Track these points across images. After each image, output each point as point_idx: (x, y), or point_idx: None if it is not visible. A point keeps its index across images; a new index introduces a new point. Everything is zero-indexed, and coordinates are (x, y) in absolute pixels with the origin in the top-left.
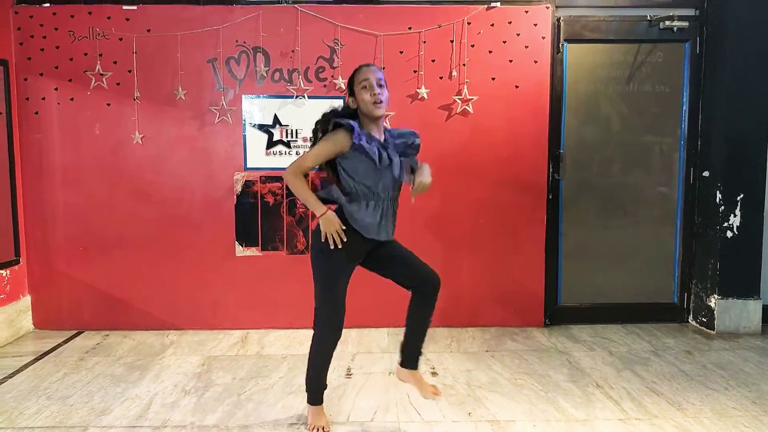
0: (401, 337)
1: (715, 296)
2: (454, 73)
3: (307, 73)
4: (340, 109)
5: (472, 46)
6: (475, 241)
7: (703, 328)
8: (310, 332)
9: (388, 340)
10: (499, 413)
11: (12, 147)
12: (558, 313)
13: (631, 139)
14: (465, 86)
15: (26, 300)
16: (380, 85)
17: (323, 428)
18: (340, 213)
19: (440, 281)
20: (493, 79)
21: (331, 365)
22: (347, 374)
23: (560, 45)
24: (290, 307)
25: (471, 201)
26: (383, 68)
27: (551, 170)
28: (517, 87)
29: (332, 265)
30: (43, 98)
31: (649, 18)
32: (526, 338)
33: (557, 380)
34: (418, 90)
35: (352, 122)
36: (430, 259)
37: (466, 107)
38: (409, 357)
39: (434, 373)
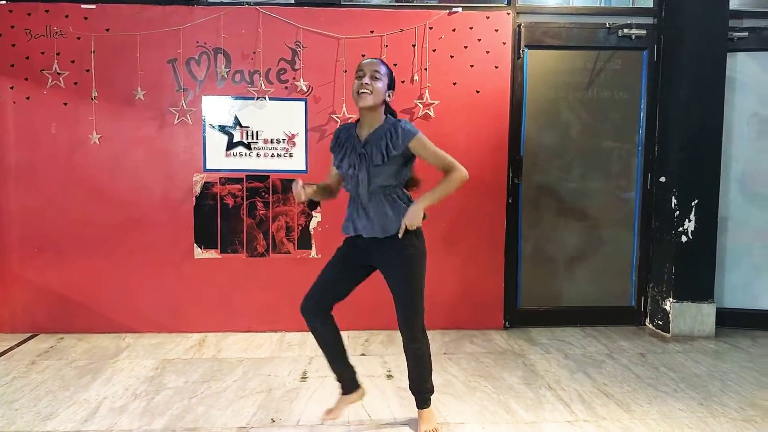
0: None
1: (671, 300)
2: (416, 77)
3: (269, 74)
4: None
5: (434, 50)
6: (434, 245)
7: (659, 331)
8: (269, 335)
9: (348, 342)
10: (449, 416)
11: None
12: (517, 316)
13: (591, 144)
14: (426, 90)
15: None
16: (374, 77)
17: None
18: None
19: (409, 345)
20: (455, 83)
21: (287, 368)
22: (302, 377)
23: (521, 51)
24: (249, 310)
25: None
26: (345, 71)
27: (511, 174)
28: (478, 92)
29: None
30: None
31: (608, 26)
32: (485, 341)
33: (511, 383)
34: None
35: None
36: None
37: (428, 111)
38: (415, 395)
39: (390, 376)
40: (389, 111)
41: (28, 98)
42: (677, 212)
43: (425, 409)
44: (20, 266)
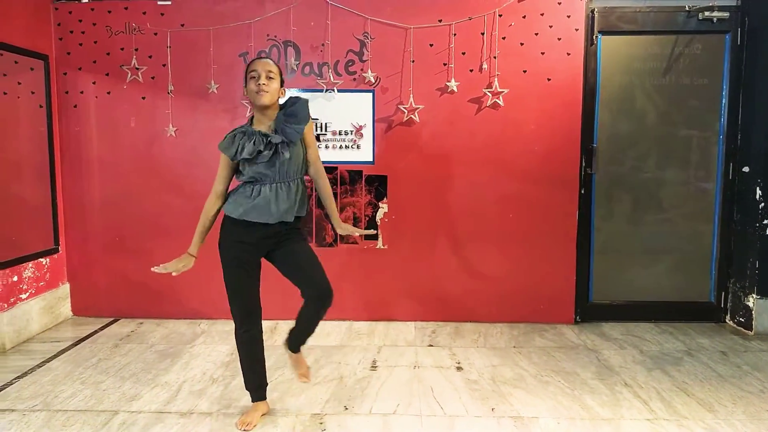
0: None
1: (754, 296)
2: (485, 65)
3: (337, 66)
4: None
5: (504, 38)
6: (504, 236)
7: (741, 329)
8: (337, 324)
9: (415, 333)
10: (522, 409)
11: (52, 139)
12: (589, 311)
13: (668, 132)
14: (496, 79)
15: (65, 287)
16: (269, 77)
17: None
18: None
19: (331, 298)
20: (525, 71)
21: (357, 357)
22: (372, 366)
23: (594, 37)
24: None
25: (501, 195)
26: (413, 61)
27: (583, 164)
28: (549, 80)
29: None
30: (82, 92)
31: (687, 8)
32: (556, 335)
33: (584, 378)
34: (447, 83)
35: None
36: (458, 253)
37: (497, 100)
38: (292, 344)
39: (459, 368)
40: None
41: (108, 93)
42: (762, 204)
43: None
44: (102, 254)
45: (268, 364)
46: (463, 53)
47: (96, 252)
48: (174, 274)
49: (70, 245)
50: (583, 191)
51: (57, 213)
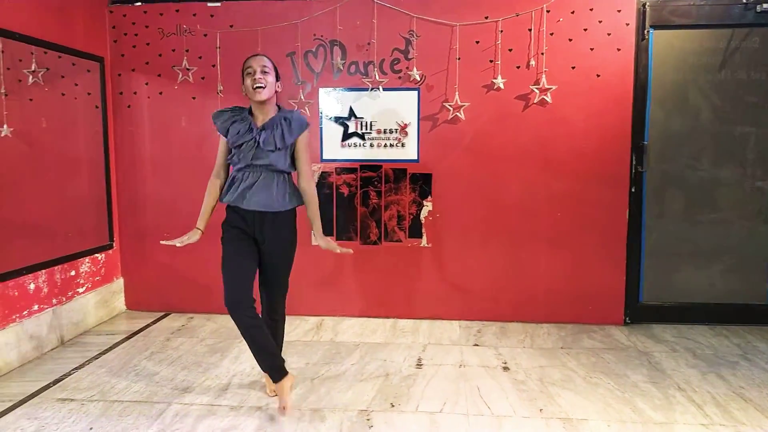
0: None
1: None
2: (532, 62)
3: (383, 65)
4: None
5: (551, 34)
6: (552, 235)
7: None
8: (382, 321)
9: (460, 332)
10: (571, 411)
11: (107, 139)
12: (639, 312)
13: (723, 129)
14: (543, 75)
15: (119, 282)
16: (264, 72)
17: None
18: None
19: (276, 318)
20: (573, 68)
21: (402, 355)
22: (417, 364)
23: (645, 32)
24: (363, 296)
25: (549, 194)
26: (459, 58)
27: (634, 162)
28: (598, 76)
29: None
30: (135, 92)
31: (744, 1)
32: (605, 336)
33: (635, 381)
34: (494, 80)
35: (217, 112)
36: (503, 252)
37: (544, 97)
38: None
39: (506, 368)
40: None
41: (160, 93)
42: None
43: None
44: (154, 250)
45: (314, 359)
46: (510, 50)
47: (148, 248)
48: (178, 245)
49: (124, 241)
50: (633, 189)
51: (111, 210)
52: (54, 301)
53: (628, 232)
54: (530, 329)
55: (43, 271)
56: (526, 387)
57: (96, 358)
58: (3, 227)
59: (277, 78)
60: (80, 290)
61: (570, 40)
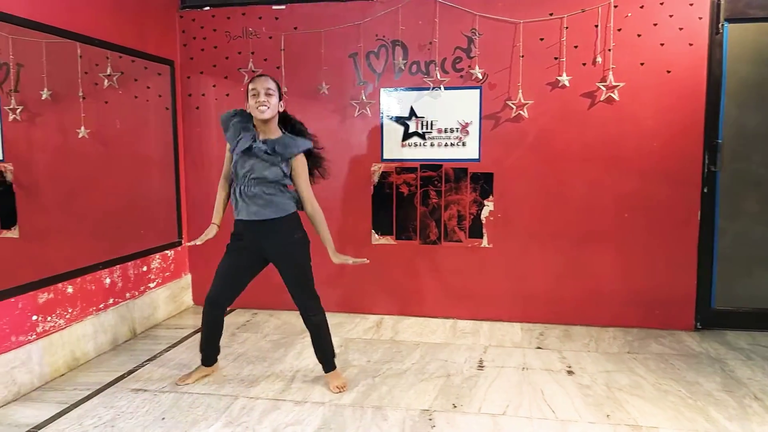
0: None
1: None
2: (599, 58)
3: (444, 64)
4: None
5: (619, 30)
6: (619, 236)
7: None
8: (442, 321)
9: (522, 335)
10: (640, 418)
11: (176, 140)
12: (711, 317)
13: None
14: (610, 72)
15: (187, 278)
16: (268, 94)
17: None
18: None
19: (310, 318)
20: (642, 64)
21: (462, 356)
22: (479, 366)
23: (720, 25)
24: (422, 296)
25: (616, 193)
26: (522, 56)
27: (707, 161)
28: (668, 72)
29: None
30: (203, 94)
31: None
32: (674, 342)
33: (708, 389)
34: (558, 77)
35: (225, 118)
36: (567, 254)
37: (611, 94)
38: (321, 362)
39: (570, 372)
40: (291, 121)
41: (227, 95)
42: None
43: (333, 371)
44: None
45: (375, 357)
46: (576, 47)
47: (214, 245)
48: (199, 243)
49: (192, 239)
50: (705, 190)
51: (180, 208)
52: (127, 295)
53: (699, 234)
54: (595, 333)
55: (118, 266)
56: (591, 392)
57: (166, 350)
58: (81, 224)
59: (280, 98)
60: (151, 285)
61: (639, 35)
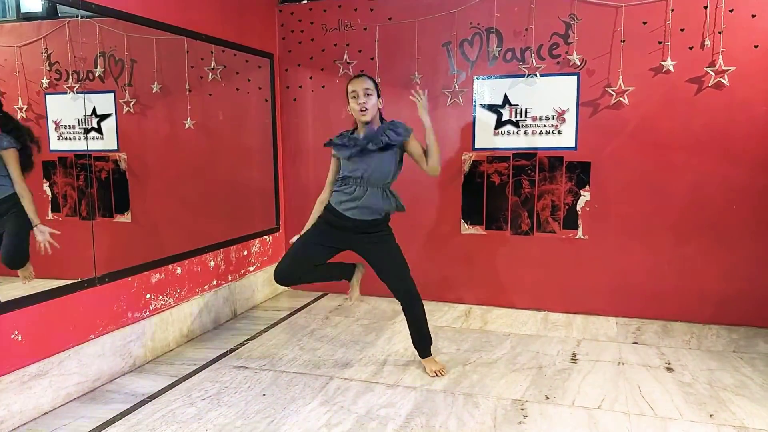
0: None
1: None
2: (708, 42)
3: (540, 50)
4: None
5: (731, 10)
6: (725, 230)
7: None
8: (532, 313)
9: (617, 329)
10: (747, 419)
11: (275, 130)
12: None
13: None
14: (720, 56)
15: None
16: (367, 94)
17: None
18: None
19: (412, 298)
20: (756, 47)
21: (555, 348)
22: (572, 359)
23: None
24: (512, 286)
25: (723, 185)
26: (623, 40)
27: None
28: None
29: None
30: (300, 86)
31: None
32: None
33: None
34: (662, 62)
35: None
36: (668, 247)
37: (721, 79)
38: (417, 348)
39: (669, 369)
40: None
41: (323, 87)
42: None
43: (429, 357)
44: None
45: (464, 346)
46: (682, 29)
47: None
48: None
49: (289, 225)
50: None
51: (279, 196)
52: (229, 277)
53: None
54: (696, 330)
55: (221, 250)
56: (693, 390)
57: (265, 331)
58: (188, 210)
59: (378, 95)
60: (251, 269)
61: (753, 16)
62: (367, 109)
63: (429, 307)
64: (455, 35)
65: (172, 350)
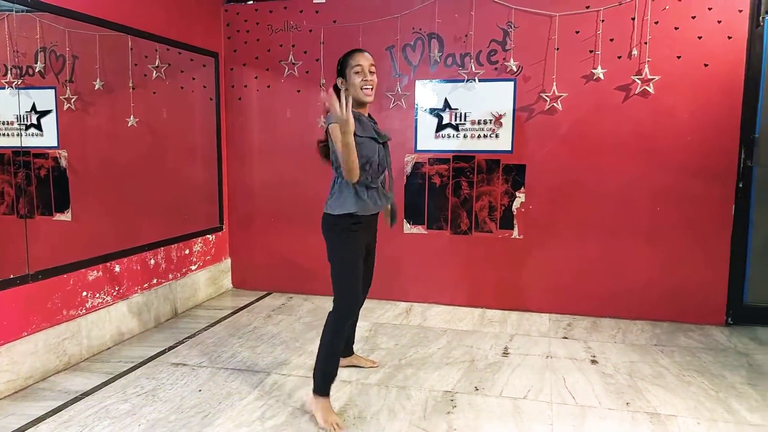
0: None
1: None
2: (635, 51)
3: (479, 56)
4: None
5: (656, 23)
6: (651, 230)
7: None
8: (470, 310)
9: (549, 325)
10: (660, 407)
11: (220, 129)
12: (743, 312)
13: None
14: (646, 65)
15: (227, 262)
16: (371, 72)
17: (338, 424)
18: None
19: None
20: (679, 57)
21: (488, 343)
22: (504, 353)
23: (761, 18)
24: (452, 284)
25: (649, 187)
26: (557, 48)
27: (743, 156)
28: (706, 65)
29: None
30: (245, 86)
31: None
32: (703, 336)
33: (732, 381)
34: (593, 70)
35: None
36: (598, 246)
37: (647, 87)
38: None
39: (594, 361)
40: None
41: (268, 86)
42: None
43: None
44: (260, 233)
45: (403, 342)
46: (611, 39)
47: (254, 231)
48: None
49: (232, 224)
50: (741, 185)
51: (222, 195)
52: (170, 276)
53: (733, 229)
54: (623, 325)
55: (162, 248)
56: (613, 380)
57: (205, 329)
58: (129, 208)
59: None
60: (193, 267)
61: (676, 28)
62: (372, 87)
63: (371, 305)
64: (398, 39)
65: (108, 348)
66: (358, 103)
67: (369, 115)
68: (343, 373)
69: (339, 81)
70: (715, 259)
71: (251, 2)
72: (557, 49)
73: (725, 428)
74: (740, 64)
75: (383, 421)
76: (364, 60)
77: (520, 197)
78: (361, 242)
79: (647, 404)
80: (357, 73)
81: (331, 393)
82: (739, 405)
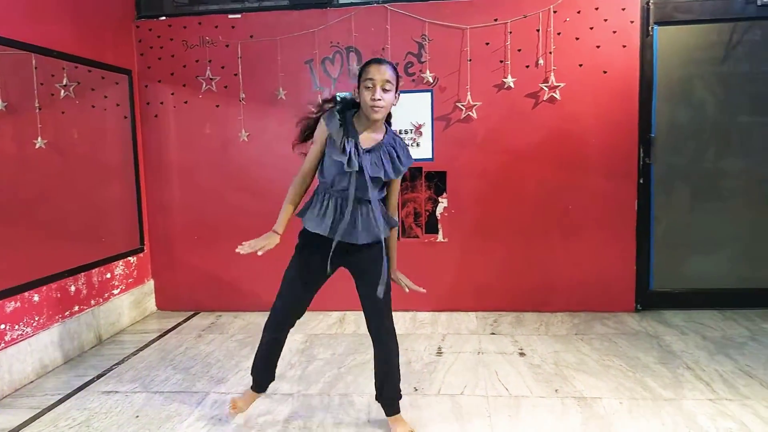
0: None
1: None
2: (541, 61)
3: (397, 68)
4: (347, 97)
5: (559, 33)
6: (565, 228)
7: None
8: (402, 314)
9: (477, 323)
10: (586, 391)
11: (136, 147)
12: (650, 299)
13: (728, 121)
14: (552, 74)
15: (150, 284)
16: (385, 89)
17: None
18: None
19: (389, 351)
20: (581, 65)
21: (422, 344)
22: (438, 352)
23: (650, 28)
24: None
25: (560, 187)
26: (470, 60)
27: (642, 155)
28: (605, 72)
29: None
30: (161, 103)
31: None
32: (617, 323)
33: (646, 362)
34: (504, 79)
35: (333, 108)
36: (518, 246)
37: (553, 94)
38: (384, 403)
39: (522, 354)
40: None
41: (186, 102)
42: None
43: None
44: (183, 252)
45: (339, 350)
46: (519, 50)
47: (177, 250)
48: (259, 253)
49: (154, 244)
50: (641, 181)
51: (142, 215)
52: (92, 302)
53: (637, 223)
54: (545, 318)
55: (82, 274)
56: (541, 370)
57: (134, 354)
58: (44, 233)
59: (396, 89)
60: (115, 292)
61: (577, 38)
62: (381, 107)
63: (304, 317)
64: (317, 53)
65: (32, 382)
66: (367, 119)
67: (388, 131)
68: (283, 387)
69: (354, 91)
70: (622, 252)
71: (164, 18)
72: (470, 60)
73: (644, 404)
74: (635, 70)
75: (329, 428)
76: (378, 74)
77: (443, 202)
78: (308, 264)
79: (574, 389)
80: (368, 88)
81: (272, 408)
82: (654, 383)
